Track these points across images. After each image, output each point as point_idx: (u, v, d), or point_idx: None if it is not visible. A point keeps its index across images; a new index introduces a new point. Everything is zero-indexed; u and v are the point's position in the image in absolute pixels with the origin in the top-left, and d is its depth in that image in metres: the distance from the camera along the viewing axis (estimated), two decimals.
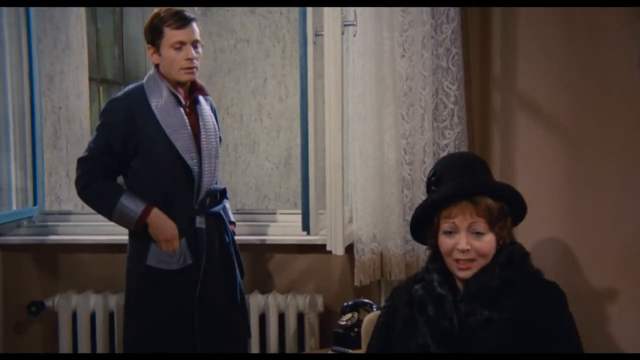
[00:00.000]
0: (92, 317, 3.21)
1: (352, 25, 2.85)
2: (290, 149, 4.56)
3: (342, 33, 2.73)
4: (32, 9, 3.21)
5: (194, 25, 2.67)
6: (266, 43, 4.54)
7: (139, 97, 2.65)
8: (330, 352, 2.87)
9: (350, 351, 2.79)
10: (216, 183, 2.80)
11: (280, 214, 3.40)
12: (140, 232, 2.66)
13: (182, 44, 2.63)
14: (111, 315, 3.21)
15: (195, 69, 2.68)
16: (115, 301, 3.18)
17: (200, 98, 2.77)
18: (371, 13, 2.90)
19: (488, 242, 1.90)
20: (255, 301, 3.16)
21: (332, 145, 2.79)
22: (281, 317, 3.17)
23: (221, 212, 2.82)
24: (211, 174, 2.73)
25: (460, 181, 1.93)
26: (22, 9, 3.18)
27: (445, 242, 1.93)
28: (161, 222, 2.63)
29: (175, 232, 2.65)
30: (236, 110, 4.64)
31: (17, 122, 3.25)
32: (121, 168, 2.68)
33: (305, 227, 2.91)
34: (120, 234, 2.92)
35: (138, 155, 2.64)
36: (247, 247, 3.22)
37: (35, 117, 3.27)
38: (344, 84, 2.81)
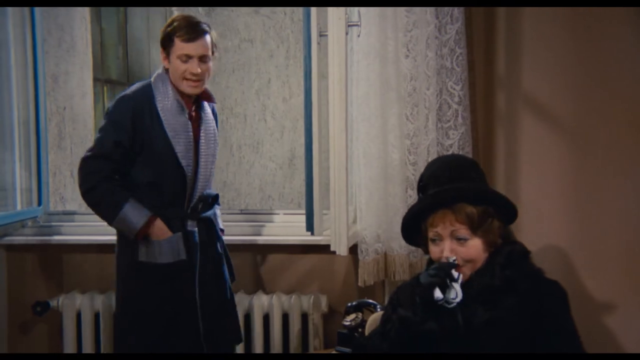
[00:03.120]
0: (97, 317, 3.22)
1: (357, 25, 2.85)
2: (294, 150, 4.56)
3: (347, 33, 2.73)
4: (37, 10, 3.21)
5: (207, 38, 2.65)
6: (270, 43, 4.54)
7: (147, 97, 2.66)
8: (334, 352, 2.87)
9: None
10: (209, 188, 2.82)
11: (284, 214, 3.40)
12: None
13: (188, 57, 2.62)
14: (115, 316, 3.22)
15: (200, 82, 2.67)
16: None
17: (205, 103, 2.78)
18: (375, 13, 2.90)
19: (473, 247, 1.91)
20: (259, 301, 3.16)
21: (336, 145, 2.79)
22: (285, 318, 3.17)
23: (212, 217, 2.83)
24: (206, 179, 2.75)
25: (437, 190, 1.96)
26: (27, 10, 3.18)
27: (432, 249, 1.96)
28: (162, 235, 2.67)
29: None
30: (240, 110, 4.64)
31: (22, 122, 3.25)
32: (127, 167, 2.68)
33: (310, 227, 2.92)
34: None
35: (142, 154, 2.66)
36: (251, 247, 3.23)
37: (40, 117, 3.27)
38: (348, 84, 2.81)
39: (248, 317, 3.18)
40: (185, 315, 2.71)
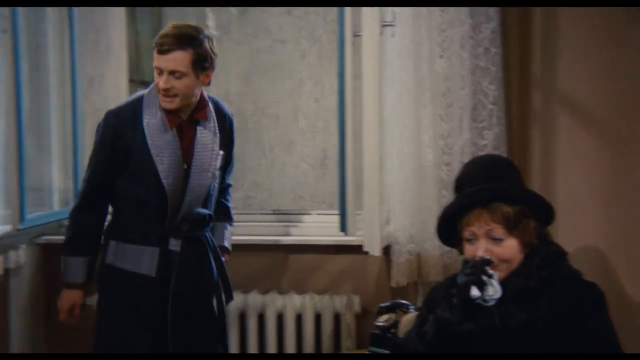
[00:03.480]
0: None
1: (391, 25, 2.85)
2: (326, 150, 4.55)
3: (381, 33, 2.73)
4: (75, 13, 3.25)
5: (182, 53, 2.44)
6: (302, 44, 4.53)
7: (134, 112, 2.55)
8: (366, 352, 2.87)
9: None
10: (207, 207, 2.65)
11: (317, 214, 3.40)
12: (106, 232, 2.65)
13: (160, 70, 2.48)
14: None
15: (173, 99, 2.48)
16: None
17: (209, 115, 2.62)
18: (409, 13, 2.90)
19: (508, 247, 1.90)
20: (292, 302, 3.17)
21: (369, 145, 2.80)
22: (317, 318, 3.18)
23: (207, 237, 2.67)
24: (197, 199, 2.59)
25: (472, 190, 1.95)
26: (65, 14, 3.22)
27: (467, 248, 1.95)
28: (62, 298, 2.67)
29: (63, 304, 2.68)
30: (272, 111, 4.64)
31: (59, 123, 3.30)
32: (113, 183, 2.60)
33: (343, 227, 2.93)
34: None
35: (127, 169, 2.56)
36: (283, 247, 3.24)
37: (77, 118, 3.31)
38: (381, 84, 2.82)
39: (280, 317, 3.19)
40: (154, 336, 2.57)
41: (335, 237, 3.10)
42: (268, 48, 4.59)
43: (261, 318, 3.19)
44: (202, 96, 2.60)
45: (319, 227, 3.29)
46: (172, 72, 2.45)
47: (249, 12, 4.63)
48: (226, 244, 2.78)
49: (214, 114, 2.63)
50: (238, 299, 3.17)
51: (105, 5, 3.37)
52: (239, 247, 3.24)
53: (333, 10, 3.95)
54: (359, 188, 2.90)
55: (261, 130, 4.67)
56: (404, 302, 2.95)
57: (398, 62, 2.95)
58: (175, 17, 4.58)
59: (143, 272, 2.56)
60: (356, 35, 2.78)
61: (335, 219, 3.10)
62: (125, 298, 2.58)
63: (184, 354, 2.60)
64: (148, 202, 2.55)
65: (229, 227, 2.81)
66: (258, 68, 4.62)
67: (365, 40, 2.73)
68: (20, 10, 2.87)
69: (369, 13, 2.71)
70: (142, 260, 2.56)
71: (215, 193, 2.69)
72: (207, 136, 2.60)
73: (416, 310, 2.59)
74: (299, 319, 3.18)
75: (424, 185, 2.99)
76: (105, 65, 3.70)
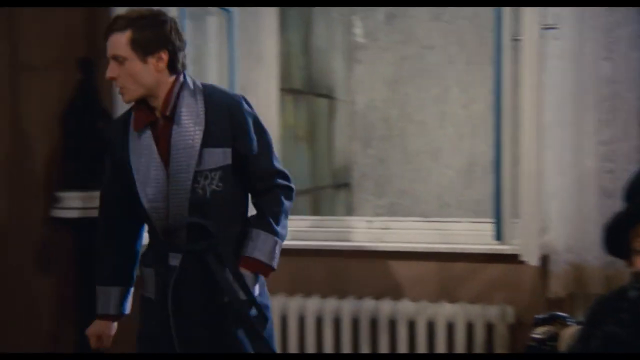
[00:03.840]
0: None
1: (553, 28, 2.76)
2: (472, 157, 4.47)
3: (541, 37, 2.65)
4: (235, 19, 3.37)
5: (116, 35, 2.18)
6: (450, 49, 4.50)
7: (125, 118, 2.34)
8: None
9: None
10: (207, 215, 2.25)
11: (468, 222, 3.34)
12: (140, 259, 2.42)
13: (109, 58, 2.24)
14: None
15: (123, 90, 2.22)
16: None
17: (169, 106, 2.25)
18: (571, 14, 2.79)
19: None
20: (443, 310, 3.13)
21: (528, 152, 2.73)
22: (469, 327, 3.12)
23: (217, 250, 2.26)
24: (180, 206, 2.23)
25: None
26: (224, 20, 3.35)
27: (638, 261, 1.83)
28: (91, 326, 2.42)
29: (90, 332, 2.41)
30: (418, 117, 4.64)
31: None
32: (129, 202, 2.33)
33: (498, 235, 2.86)
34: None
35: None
36: (434, 255, 3.19)
37: None
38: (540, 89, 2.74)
39: (431, 325, 3.15)
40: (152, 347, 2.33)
41: (489, 245, 3.03)
42: (415, 54, 4.59)
43: (412, 326, 3.17)
44: (172, 86, 2.25)
45: (469, 235, 3.23)
46: (115, 58, 2.19)
47: (395, 19, 4.65)
48: (256, 254, 2.29)
49: (198, 105, 2.25)
50: (387, 306, 3.18)
51: (259, 6, 3.46)
52: (388, 255, 3.25)
53: (482, 14, 3.89)
54: (514, 196, 2.82)
55: (407, 137, 4.68)
56: (563, 314, 2.83)
57: (558, 66, 2.85)
58: (323, 26, 4.67)
59: (148, 294, 2.34)
60: (514, 39, 2.72)
61: (486, 227, 3.04)
62: (141, 325, 2.37)
63: (185, 354, 2.28)
64: (146, 217, 2.29)
65: (264, 236, 2.30)
66: (404, 74, 4.63)
67: (525, 44, 2.66)
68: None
69: (529, 15, 2.64)
70: (145, 281, 2.35)
71: (215, 198, 2.25)
72: (180, 132, 2.23)
73: (577, 323, 2.48)
74: (450, 328, 3.13)
75: (585, 193, 2.87)
76: (257, 74, 3.82)
